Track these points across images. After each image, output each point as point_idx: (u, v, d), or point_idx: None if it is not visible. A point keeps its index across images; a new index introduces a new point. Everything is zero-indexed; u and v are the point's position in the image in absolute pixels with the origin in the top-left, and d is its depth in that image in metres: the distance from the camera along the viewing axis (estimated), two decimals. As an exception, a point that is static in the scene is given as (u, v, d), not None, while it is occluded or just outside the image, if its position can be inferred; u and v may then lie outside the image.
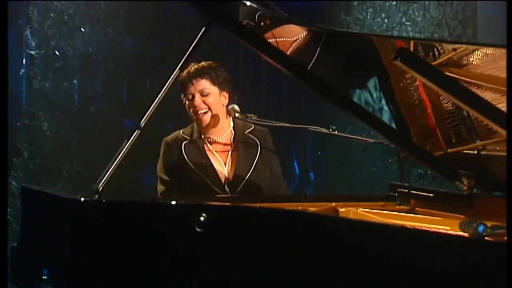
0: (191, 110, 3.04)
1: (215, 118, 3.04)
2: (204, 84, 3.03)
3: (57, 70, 4.88)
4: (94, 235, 2.33)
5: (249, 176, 3.03)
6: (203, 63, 3.06)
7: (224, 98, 3.08)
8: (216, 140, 3.10)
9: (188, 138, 3.09)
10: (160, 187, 3.08)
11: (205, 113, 3.03)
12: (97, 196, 2.41)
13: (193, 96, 3.03)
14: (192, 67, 3.04)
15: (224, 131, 3.11)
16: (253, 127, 3.15)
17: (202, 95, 3.02)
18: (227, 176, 3.04)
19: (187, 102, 3.05)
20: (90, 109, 4.97)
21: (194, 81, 3.02)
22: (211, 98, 3.03)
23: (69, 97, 4.92)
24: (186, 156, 3.04)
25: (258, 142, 3.11)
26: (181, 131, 3.14)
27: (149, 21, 5.10)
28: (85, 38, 4.93)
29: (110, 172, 2.44)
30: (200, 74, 3.03)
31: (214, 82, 3.04)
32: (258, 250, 2.19)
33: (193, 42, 2.67)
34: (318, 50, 2.79)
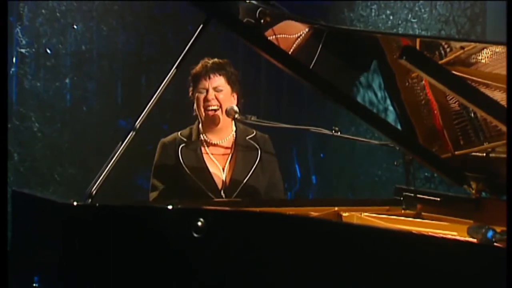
0: (202, 105, 3.05)
1: (222, 118, 3.05)
2: (220, 80, 3.06)
3: (49, 69, 4.87)
4: (87, 240, 2.33)
5: (246, 182, 3.03)
6: (217, 59, 3.09)
7: (233, 98, 3.10)
8: (217, 143, 3.10)
9: (185, 140, 3.09)
10: (152, 193, 3.07)
11: (215, 110, 3.04)
12: (90, 200, 2.40)
13: (207, 91, 3.04)
14: (208, 61, 3.07)
15: (227, 135, 3.11)
16: (254, 133, 3.16)
17: (216, 91, 3.04)
18: (224, 180, 3.05)
19: (198, 96, 3.06)
20: (83, 109, 4.97)
21: (211, 75, 3.04)
22: (223, 96, 3.05)
23: (61, 97, 4.92)
24: (182, 159, 3.04)
25: (258, 149, 3.12)
26: (179, 133, 3.15)
27: (145, 18, 5.10)
28: (78, 35, 4.93)
29: (104, 175, 2.44)
30: (217, 69, 3.06)
31: (228, 81, 3.07)
32: (258, 256, 2.20)
33: (190, 40, 2.67)
34: (320, 48, 2.79)
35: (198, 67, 3.07)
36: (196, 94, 3.07)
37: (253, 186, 3.05)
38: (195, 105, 3.10)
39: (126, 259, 2.31)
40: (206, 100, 3.04)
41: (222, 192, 3.02)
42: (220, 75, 3.06)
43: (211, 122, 3.07)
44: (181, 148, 3.07)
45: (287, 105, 5.39)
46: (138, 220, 2.35)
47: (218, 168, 3.07)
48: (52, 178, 4.86)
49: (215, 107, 3.04)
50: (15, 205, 2.76)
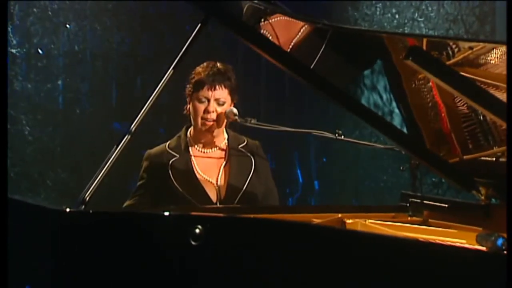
0: (201, 115, 3.01)
1: (218, 128, 3.04)
2: (224, 93, 3.03)
3: (40, 70, 4.88)
4: (80, 248, 2.34)
5: (242, 193, 3.02)
6: (221, 65, 3.05)
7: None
8: (209, 151, 3.08)
9: (175, 154, 3.05)
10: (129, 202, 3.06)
11: (213, 121, 3.02)
12: (83, 206, 2.41)
13: (208, 101, 3.01)
14: (214, 67, 3.03)
15: (219, 143, 3.10)
16: (246, 141, 3.15)
17: (218, 103, 3.02)
18: (218, 193, 3.02)
19: (198, 104, 3.02)
20: (75, 112, 4.97)
21: (217, 86, 3.00)
22: (223, 109, 3.02)
23: (53, 99, 4.92)
24: (173, 175, 3.00)
25: (252, 157, 3.11)
26: (166, 145, 3.11)
27: (140, 17, 5.11)
28: (71, 35, 4.94)
29: (98, 181, 2.45)
30: (223, 80, 3.02)
31: (230, 93, 3.05)
32: (258, 265, 2.20)
33: (188, 39, 2.67)
34: (323, 48, 2.80)
35: (204, 73, 3.02)
36: (195, 101, 3.03)
37: (250, 196, 3.03)
38: (189, 107, 3.08)
39: (121, 267, 2.31)
40: (206, 111, 3.00)
41: (217, 205, 3.01)
42: (225, 87, 3.02)
43: (206, 132, 3.04)
44: (171, 164, 3.02)
45: (289, 108, 5.40)
46: (134, 227, 2.35)
47: (211, 181, 3.05)
48: (43, 183, 4.86)
49: (213, 119, 3.02)
50: (5, 211, 2.76)
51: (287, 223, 2.40)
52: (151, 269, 2.28)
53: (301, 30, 2.78)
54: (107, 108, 5.03)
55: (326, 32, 2.78)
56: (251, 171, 3.07)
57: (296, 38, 2.80)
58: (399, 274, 1.95)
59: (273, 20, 2.72)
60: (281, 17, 2.76)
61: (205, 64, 3.06)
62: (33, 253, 2.50)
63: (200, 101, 3.02)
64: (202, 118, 3.02)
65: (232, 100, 3.07)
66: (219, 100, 3.02)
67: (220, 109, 3.02)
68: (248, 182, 3.04)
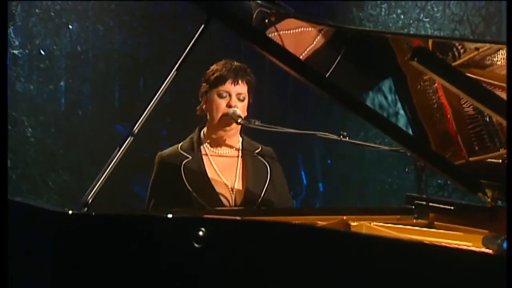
0: (222, 110, 2.96)
1: (236, 126, 3.01)
2: (244, 88, 3.00)
3: (42, 71, 4.89)
4: (82, 251, 2.34)
5: (260, 202, 2.98)
6: (238, 63, 3.03)
7: (245, 109, 3.05)
8: (224, 153, 3.07)
9: (188, 155, 3.01)
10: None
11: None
12: (86, 208, 2.41)
13: (230, 96, 2.98)
14: (233, 64, 3.01)
15: (234, 144, 3.06)
16: (260, 147, 3.11)
17: (239, 99, 2.99)
18: (234, 199, 2.99)
19: (218, 100, 2.98)
20: (78, 113, 4.98)
21: (239, 81, 2.98)
22: (242, 106, 2.99)
23: (55, 101, 4.93)
24: (185, 177, 2.95)
25: (268, 166, 3.08)
26: (179, 146, 3.05)
27: (142, 17, 5.11)
28: (73, 36, 4.95)
29: (100, 183, 2.44)
30: (244, 75, 3.00)
31: (249, 89, 3.02)
32: (262, 268, 2.20)
33: (191, 40, 2.67)
34: (326, 48, 2.80)
35: (225, 68, 2.99)
36: (215, 96, 2.98)
37: (266, 204, 2.99)
38: (205, 105, 3.02)
39: (124, 270, 2.31)
40: (229, 106, 2.96)
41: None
42: (246, 83, 3.00)
43: (224, 129, 3.00)
44: (184, 166, 2.97)
45: (292, 109, 5.40)
46: (137, 229, 2.35)
47: (227, 183, 3.02)
48: (45, 185, 4.87)
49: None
50: (7, 214, 2.77)
51: (291, 226, 2.40)
52: (154, 271, 2.28)
53: (312, 43, 2.79)
54: (110, 109, 5.04)
55: (330, 32, 2.78)
56: (267, 179, 3.03)
57: (305, 52, 2.80)
58: (404, 277, 1.95)
59: (282, 32, 2.72)
60: (290, 31, 2.76)
61: (222, 61, 3.04)
62: (35, 255, 2.50)
63: (221, 96, 2.98)
64: (224, 114, 2.97)
65: (249, 98, 3.04)
66: (240, 96, 2.99)
67: (240, 105, 2.99)
68: (265, 191, 3.01)
